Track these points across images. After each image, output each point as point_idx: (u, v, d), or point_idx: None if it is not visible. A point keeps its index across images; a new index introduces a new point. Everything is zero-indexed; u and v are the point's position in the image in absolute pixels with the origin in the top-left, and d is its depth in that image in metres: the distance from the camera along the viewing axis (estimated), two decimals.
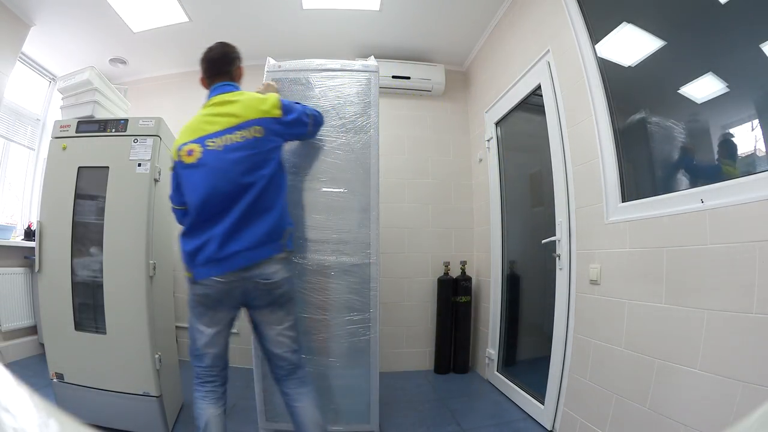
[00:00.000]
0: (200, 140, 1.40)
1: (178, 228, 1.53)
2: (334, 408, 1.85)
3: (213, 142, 1.39)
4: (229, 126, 1.40)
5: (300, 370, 1.49)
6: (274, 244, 1.38)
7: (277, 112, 1.47)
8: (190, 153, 1.39)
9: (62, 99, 2.25)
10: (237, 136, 1.39)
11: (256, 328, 1.48)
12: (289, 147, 1.90)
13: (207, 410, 1.37)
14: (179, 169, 1.43)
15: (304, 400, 1.45)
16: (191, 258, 1.36)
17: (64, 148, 1.93)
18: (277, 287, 1.39)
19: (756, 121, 1.22)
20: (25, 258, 2.93)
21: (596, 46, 1.85)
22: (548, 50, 2.17)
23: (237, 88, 1.53)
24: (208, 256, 1.33)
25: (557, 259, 2.06)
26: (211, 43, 1.59)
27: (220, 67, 1.53)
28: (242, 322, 1.86)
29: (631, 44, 1.75)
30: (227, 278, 1.33)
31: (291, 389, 1.46)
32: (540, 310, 2.52)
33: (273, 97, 1.50)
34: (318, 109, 1.77)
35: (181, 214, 1.47)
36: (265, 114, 1.44)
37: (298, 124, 1.56)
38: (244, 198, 1.34)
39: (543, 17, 2.23)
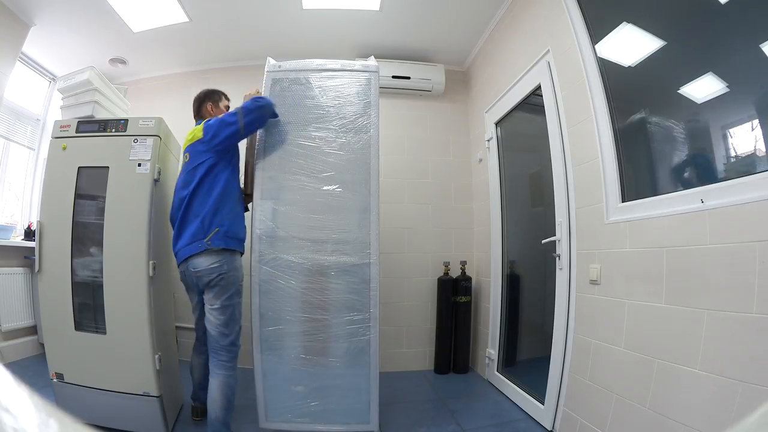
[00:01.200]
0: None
1: None
2: (334, 408, 1.85)
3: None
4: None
5: (224, 354, 1.75)
6: (198, 242, 1.74)
7: (200, 135, 1.82)
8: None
9: (62, 99, 2.25)
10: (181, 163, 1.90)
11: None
12: (288, 148, 1.91)
13: (192, 360, 2.04)
14: None
15: (216, 379, 1.74)
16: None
17: (64, 148, 1.92)
18: (205, 275, 1.74)
19: (756, 121, 1.23)
20: (25, 258, 2.93)
21: (596, 46, 1.85)
22: (548, 50, 2.17)
23: (200, 123, 1.92)
24: (173, 250, 1.85)
25: (557, 259, 2.06)
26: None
27: (195, 109, 2.06)
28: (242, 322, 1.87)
29: (631, 44, 1.75)
30: (181, 267, 1.82)
31: (212, 365, 1.77)
32: (540, 310, 2.52)
33: (201, 125, 1.85)
34: (270, 99, 1.90)
35: None
36: (190, 141, 1.85)
37: (222, 129, 1.79)
38: (182, 207, 1.79)
39: (543, 17, 2.23)
